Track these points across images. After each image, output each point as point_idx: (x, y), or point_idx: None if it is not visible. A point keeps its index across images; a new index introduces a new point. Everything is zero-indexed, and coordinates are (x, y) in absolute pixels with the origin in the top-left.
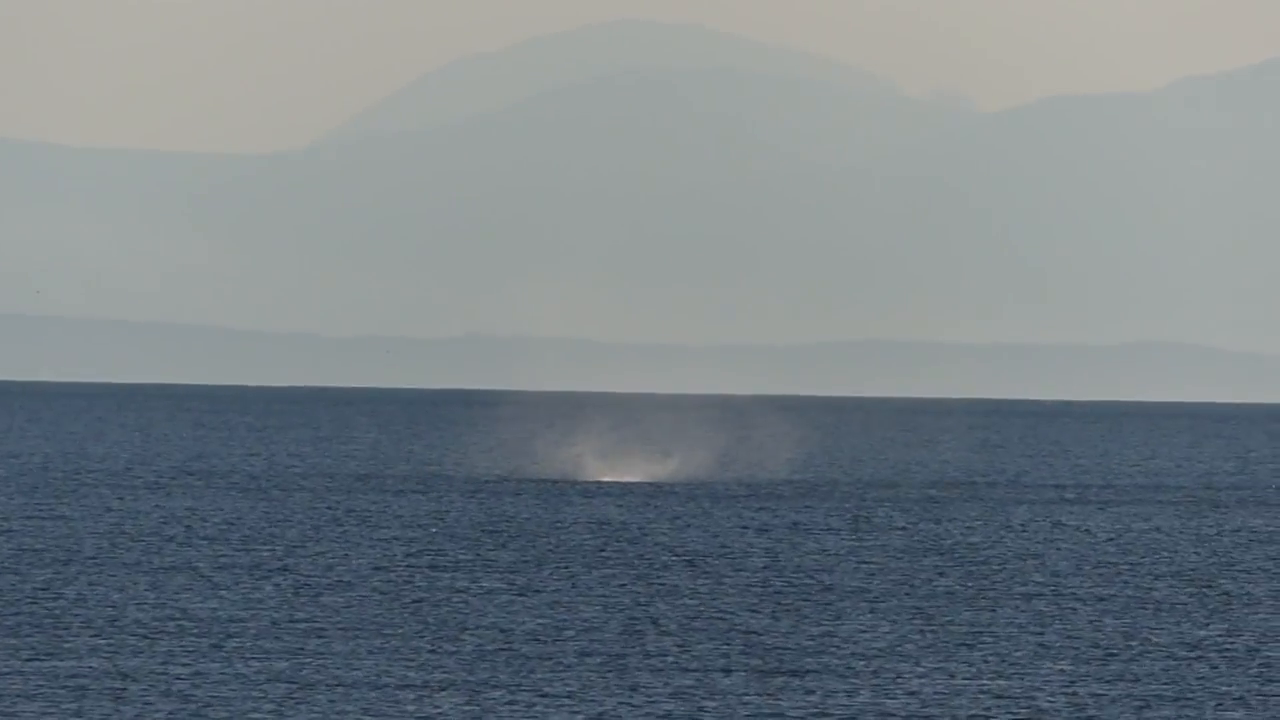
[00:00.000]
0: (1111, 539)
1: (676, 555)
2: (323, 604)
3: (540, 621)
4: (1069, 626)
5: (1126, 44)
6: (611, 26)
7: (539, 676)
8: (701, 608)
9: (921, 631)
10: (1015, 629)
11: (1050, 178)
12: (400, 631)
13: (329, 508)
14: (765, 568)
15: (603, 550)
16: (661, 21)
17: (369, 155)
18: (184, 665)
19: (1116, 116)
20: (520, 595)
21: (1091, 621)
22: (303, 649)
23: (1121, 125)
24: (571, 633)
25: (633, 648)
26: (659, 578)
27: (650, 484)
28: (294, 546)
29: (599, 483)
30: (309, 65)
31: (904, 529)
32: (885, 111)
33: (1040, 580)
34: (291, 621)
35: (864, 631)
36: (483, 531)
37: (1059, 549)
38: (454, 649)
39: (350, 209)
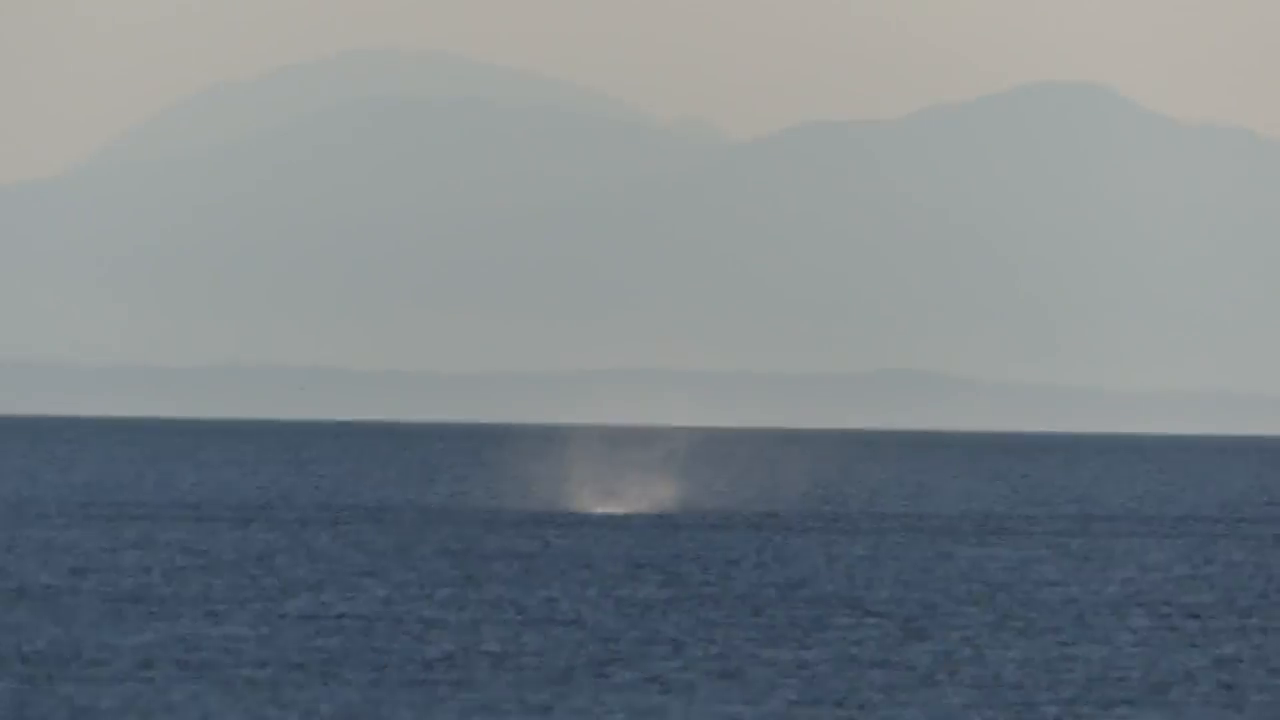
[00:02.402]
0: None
1: None
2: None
3: None
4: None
5: (873, 73)
6: (363, 54)
7: None
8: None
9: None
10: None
11: (799, 206)
12: None
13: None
14: None
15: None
16: (411, 49)
17: (122, 182)
18: None
19: (864, 144)
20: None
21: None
22: None
23: (868, 153)
24: None
25: None
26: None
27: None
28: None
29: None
30: (61, 92)
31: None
32: (634, 140)
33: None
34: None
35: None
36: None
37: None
38: None
39: (104, 236)
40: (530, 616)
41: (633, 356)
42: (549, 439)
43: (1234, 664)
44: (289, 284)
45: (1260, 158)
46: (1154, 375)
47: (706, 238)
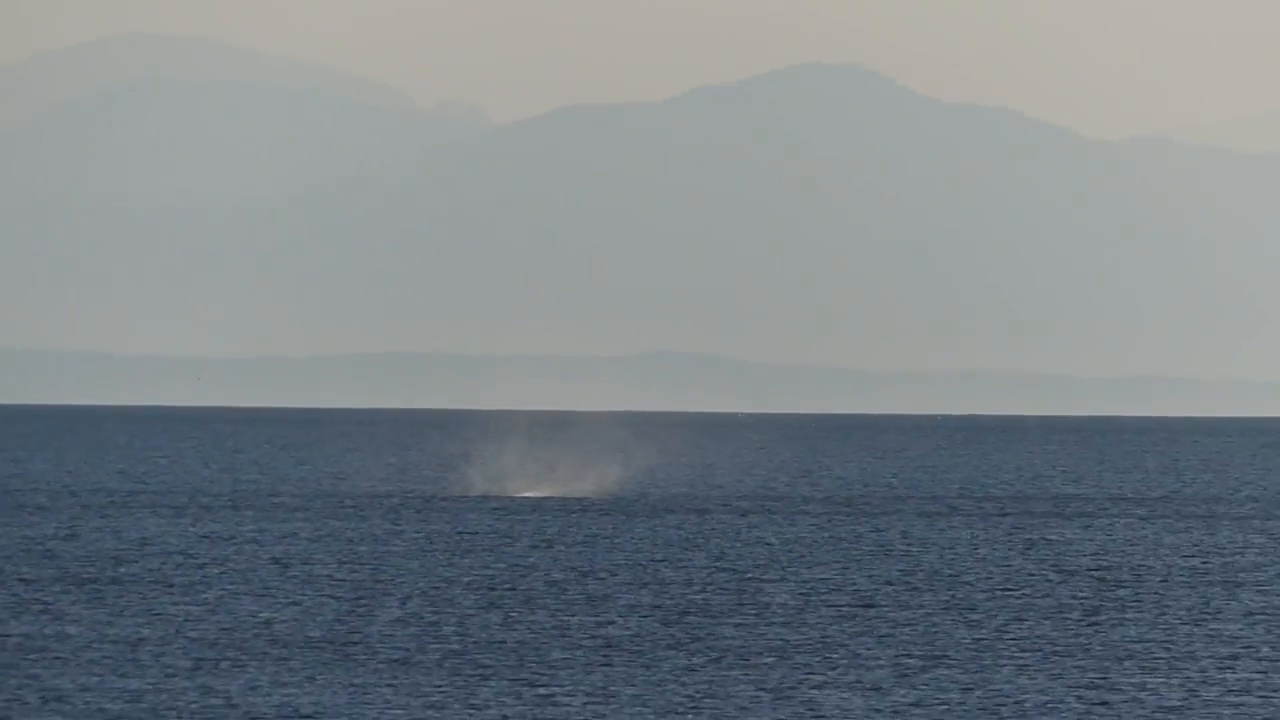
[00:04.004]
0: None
1: None
2: None
3: None
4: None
5: (638, 54)
6: (121, 39)
7: None
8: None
9: None
10: None
11: (563, 189)
12: None
13: None
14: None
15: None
16: (169, 34)
17: None
18: None
19: (628, 126)
20: None
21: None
22: None
23: (633, 135)
24: None
25: None
26: None
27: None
28: None
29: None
30: None
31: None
32: (396, 123)
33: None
34: None
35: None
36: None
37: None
38: None
39: None
40: None
41: (390, 341)
42: (323, 422)
43: None
44: (57, 269)
45: (1027, 137)
46: (889, 356)
47: (471, 220)
